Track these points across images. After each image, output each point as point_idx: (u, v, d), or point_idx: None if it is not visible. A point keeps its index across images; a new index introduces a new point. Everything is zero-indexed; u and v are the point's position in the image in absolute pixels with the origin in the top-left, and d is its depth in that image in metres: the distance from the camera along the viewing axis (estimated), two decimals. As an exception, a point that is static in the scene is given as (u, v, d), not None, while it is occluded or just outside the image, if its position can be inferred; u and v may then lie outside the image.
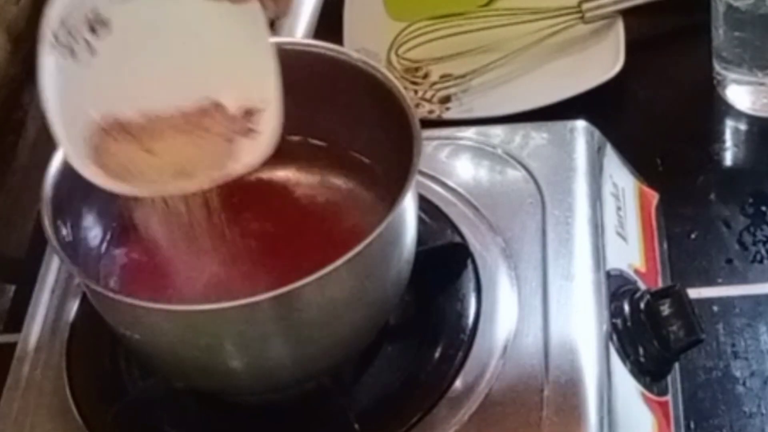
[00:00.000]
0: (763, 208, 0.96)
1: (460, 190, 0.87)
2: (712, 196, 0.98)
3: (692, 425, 0.84)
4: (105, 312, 0.75)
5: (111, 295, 0.71)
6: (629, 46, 1.06)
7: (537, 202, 0.85)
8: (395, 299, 0.77)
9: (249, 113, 0.73)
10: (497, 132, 0.91)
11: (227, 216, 0.77)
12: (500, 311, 0.80)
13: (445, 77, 1.09)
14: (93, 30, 0.72)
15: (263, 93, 0.73)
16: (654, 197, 0.95)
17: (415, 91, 1.08)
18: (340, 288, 0.71)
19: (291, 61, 0.80)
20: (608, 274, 0.82)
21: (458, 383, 0.77)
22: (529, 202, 0.86)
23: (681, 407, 0.84)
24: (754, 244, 0.94)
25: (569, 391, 0.76)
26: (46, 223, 0.73)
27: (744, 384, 0.85)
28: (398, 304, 0.78)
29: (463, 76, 1.09)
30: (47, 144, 0.73)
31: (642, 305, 0.81)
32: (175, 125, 0.72)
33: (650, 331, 0.81)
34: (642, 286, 0.85)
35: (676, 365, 0.85)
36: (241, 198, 0.79)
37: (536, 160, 0.88)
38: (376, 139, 0.80)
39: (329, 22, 1.11)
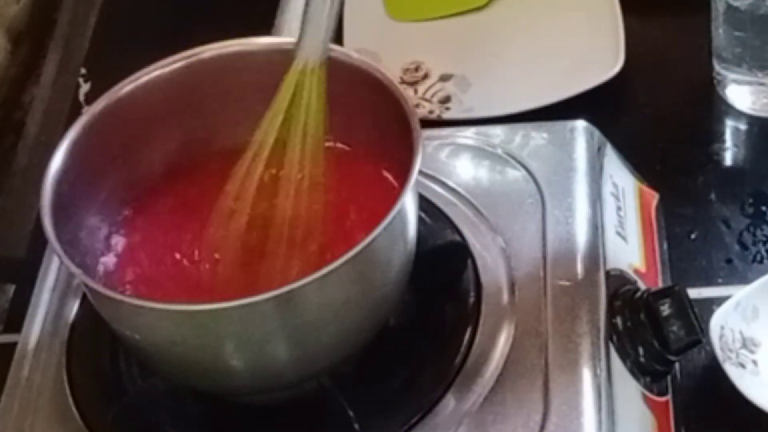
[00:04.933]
0: (763, 208, 0.96)
1: (460, 190, 0.87)
2: (712, 196, 0.98)
3: (692, 425, 0.84)
4: (105, 312, 0.75)
5: (111, 294, 0.71)
6: (629, 46, 1.06)
7: (537, 202, 0.85)
8: (395, 299, 0.77)
9: None
10: (497, 132, 0.91)
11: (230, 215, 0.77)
12: (500, 311, 0.80)
13: (445, 77, 1.09)
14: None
15: None
16: (654, 197, 0.95)
17: (415, 91, 1.08)
18: (340, 288, 0.71)
19: (291, 62, 0.81)
20: (608, 274, 0.82)
21: (458, 384, 0.77)
22: (529, 202, 0.86)
23: (681, 407, 0.84)
24: (754, 244, 0.94)
25: (569, 391, 0.76)
26: (46, 223, 0.73)
27: (744, 384, 0.85)
28: (398, 304, 0.78)
29: (463, 76, 1.09)
30: (47, 144, 0.73)
31: (642, 305, 0.81)
32: None
33: (650, 331, 0.81)
34: (642, 286, 0.85)
35: (676, 365, 0.85)
36: (242, 198, 0.79)
37: (536, 160, 0.88)
38: (375, 139, 0.80)
39: (329, 22, 1.11)
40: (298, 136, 0.76)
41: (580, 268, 0.81)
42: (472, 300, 0.81)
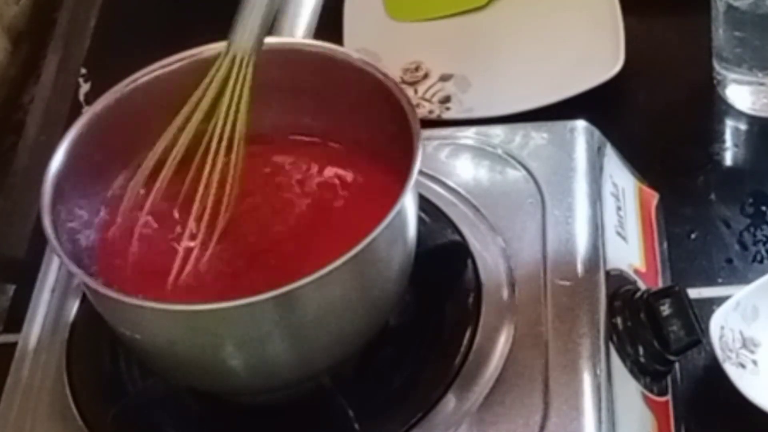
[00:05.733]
0: (763, 208, 0.96)
1: (460, 190, 0.87)
2: (712, 196, 0.98)
3: (692, 425, 0.84)
4: (105, 312, 0.75)
5: (111, 294, 0.71)
6: (629, 46, 1.06)
7: (537, 202, 0.85)
8: (395, 299, 0.77)
9: None
10: (497, 132, 0.91)
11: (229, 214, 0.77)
12: (500, 312, 0.80)
13: (445, 77, 1.09)
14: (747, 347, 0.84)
15: None
16: (654, 197, 0.95)
17: (415, 91, 1.08)
18: (340, 288, 0.71)
19: (291, 61, 0.81)
20: (608, 274, 0.82)
21: (458, 384, 0.77)
22: (529, 202, 0.86)
23: (681, 407, 0.84)
24: (754, 244, 0.94)
25: (569, 391, 0.76)
26: (46, 223, 0.73)
27: (744, 384, 0.85)
28: (398, 304, 0.78)
29: (463, 76, 1.09)
30: (47, 144, 0.73)
31: (642, 305, 0.81)
32: None
33: (650, 331, 0.81)
34: (642, 286, 0.85)
35: (676, 365, 0.85)
36: (241, 197, 0.79)
37: (536, 160, 0.88)
38: (376, 139, 0.80)
39: (329, 22, 1.11)
40: (222, 131, 0.77)
41: (580, 268, 0.81)
42: (472, 300, 0.81)
